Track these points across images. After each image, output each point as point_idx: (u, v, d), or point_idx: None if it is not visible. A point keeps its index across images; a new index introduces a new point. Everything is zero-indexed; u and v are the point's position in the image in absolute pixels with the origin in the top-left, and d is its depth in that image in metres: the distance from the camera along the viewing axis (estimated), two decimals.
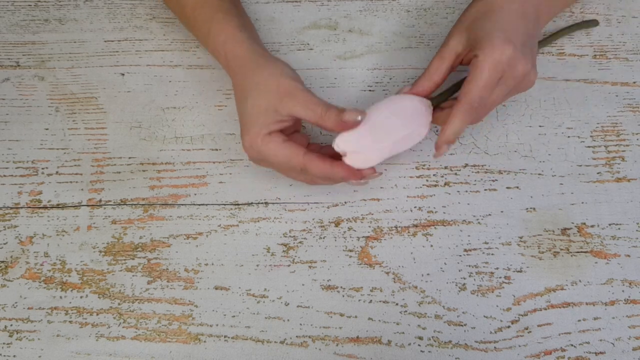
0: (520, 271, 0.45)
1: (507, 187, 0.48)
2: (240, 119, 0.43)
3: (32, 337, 0.43)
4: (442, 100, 0.45)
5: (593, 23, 0.55)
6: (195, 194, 0.48)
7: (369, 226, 0.47)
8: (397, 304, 0.44)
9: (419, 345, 0.42)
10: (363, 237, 0.46)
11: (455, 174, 0.49)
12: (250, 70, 0.43)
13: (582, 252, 0.46)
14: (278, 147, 0.41)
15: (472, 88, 0.40)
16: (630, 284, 0.44)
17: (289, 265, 0.45)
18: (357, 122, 0.41)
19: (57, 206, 0.48)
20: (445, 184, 0.48)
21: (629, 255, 0.45)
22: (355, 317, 0.43)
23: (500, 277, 0.45)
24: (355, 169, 0.42)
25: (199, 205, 0.48)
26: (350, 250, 0.46)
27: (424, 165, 0.49)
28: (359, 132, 0.41)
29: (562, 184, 0.48)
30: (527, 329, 0.43)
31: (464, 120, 0.41)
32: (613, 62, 0.54)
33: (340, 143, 0.42)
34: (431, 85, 0.44)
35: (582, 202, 0.48)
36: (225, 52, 0.45)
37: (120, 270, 0.45)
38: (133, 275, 0.45)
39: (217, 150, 0.50)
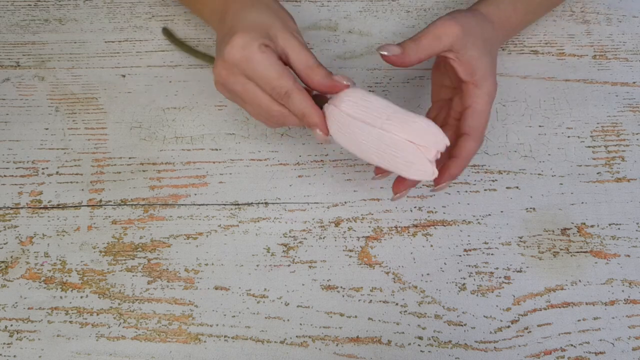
0: (520, 271, 0.45)
1: (507, 187, 0.48)
2: (235, 24, 0.40)
3: (32, 337, 0.43)
4: None
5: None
6: (195, 194, 0.48)
7: (369, 226, 0.47)
8: (397, 304, 0.44)
9: (418, 345, 0.43)
10: (363, 237, 0.46)
11: None
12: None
13: (581, 252, 0.46)
14: (272, 60, 0.39)
15: (481, 121, 0.42)
16: (630, 284, 0.44)
17: (289, 265, 0.45)
18: (345, 85, 0.39)
19: (58, 206, 0.48)
20: None
21: (628, 255, 0.45)
22: (355, 317, 0.44)
23: (500, 277, 0.45)
24: (325, 124, 0.40)
25: (199, 205, 0.48)
26: (350, 250, 0.46)
27: None
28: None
29: (562, 184, 0.48)
30: (527, 329, 0.43)
31: (475, 151, 0.42)
32: (613, 62, 0.54)
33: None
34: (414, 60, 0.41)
35: (582, 202, 0.48)
36: None
37: (121, 271, 0.45)
38: (133, 275, 0.45)
39: (217, 150, 0.50)
